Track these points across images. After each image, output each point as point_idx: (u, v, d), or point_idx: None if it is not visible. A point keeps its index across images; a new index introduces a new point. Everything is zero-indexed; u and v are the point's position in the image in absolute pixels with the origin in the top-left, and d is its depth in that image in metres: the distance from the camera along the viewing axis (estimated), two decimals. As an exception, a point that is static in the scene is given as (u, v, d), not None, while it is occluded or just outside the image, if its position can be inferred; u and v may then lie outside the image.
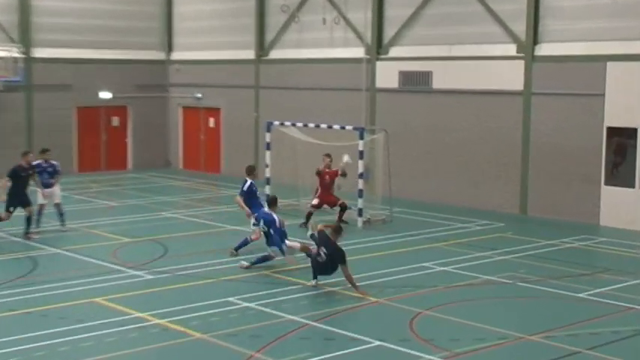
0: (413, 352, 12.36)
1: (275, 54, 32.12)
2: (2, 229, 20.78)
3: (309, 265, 16.40)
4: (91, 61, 33.76)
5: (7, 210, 20.43)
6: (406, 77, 27.65)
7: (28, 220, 20.59)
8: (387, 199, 23.72)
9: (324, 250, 15.73)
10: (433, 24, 27.13)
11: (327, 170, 22.62)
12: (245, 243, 18.76)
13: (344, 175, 22.66)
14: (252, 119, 32.38)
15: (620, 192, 22.91)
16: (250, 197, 19.59)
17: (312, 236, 16.99)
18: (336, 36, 29.86)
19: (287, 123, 25.14)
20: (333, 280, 16.10)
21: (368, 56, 28.65)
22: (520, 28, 24.92)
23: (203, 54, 34.65)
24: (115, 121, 35.09)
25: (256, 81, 32.59)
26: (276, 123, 25.28)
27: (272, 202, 18.14)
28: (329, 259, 15.69)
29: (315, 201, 22.35)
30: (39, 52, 32.70)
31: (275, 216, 17.56)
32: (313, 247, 16.47)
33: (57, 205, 21.54)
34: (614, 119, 23.02)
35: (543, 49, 24.53)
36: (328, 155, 22.84)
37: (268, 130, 25.03)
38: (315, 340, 12.99)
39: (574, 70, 23.77)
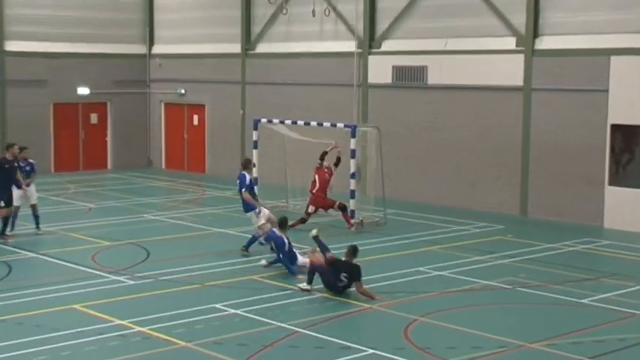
0: (408, 361, 12.38)
1: (262, 47, 32.10)
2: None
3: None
4: (68, 55, 33.67)
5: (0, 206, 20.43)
6: (400, 72, 27.67)
7: (6, 220, 20.54)
8: (380, 200, 23.73)
9: (345, 274, 15.74)
10: (428, 16, 27.15)
11: (325, 170, 22.59)
12: (254, 240, 19.14)
13: (338, 162, 22.59)
14: (239, 116, 32.37)
15: (625, 192, 22.96)
16: (250, 191, 19.65)
17: (315, 238, 17.07)
18: (326, 29, 29.87)
19: (275, 120, 25.14)
20: (315, 287, 16.12)
21: (360, 50, 28.66)
22: (519, 20, 24.96)
23: (186, 47, 34.59)
24: (94, 118, 35.00)
25: (242, 76, 32.57)
26: (264, 120, 25.26)
27: (283, 223, 18.01)
28: (349, 280, 15.76)
29: (311, 208, 22.28)
30: (12, 46, 32.59)
31: (285, 239, 17.53)
32: (319, 255, 16.45)
33: (33, 207, 21.49)
34: (618, 116, 23.08)
35: (544, 43, 24.58)
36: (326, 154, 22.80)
37: (255, 128, 25.03)
38: (304, 349, 12.98)
39: (576, 64, 23.83)
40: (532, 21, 24.58)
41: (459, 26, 26.39)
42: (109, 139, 35.43)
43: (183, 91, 34.74)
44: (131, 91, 35.40)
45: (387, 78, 28.02)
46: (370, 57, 28.48)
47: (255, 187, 23.76)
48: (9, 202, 20.62)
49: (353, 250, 16.15)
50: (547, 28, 24.59)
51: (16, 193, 21.09)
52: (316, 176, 22.43)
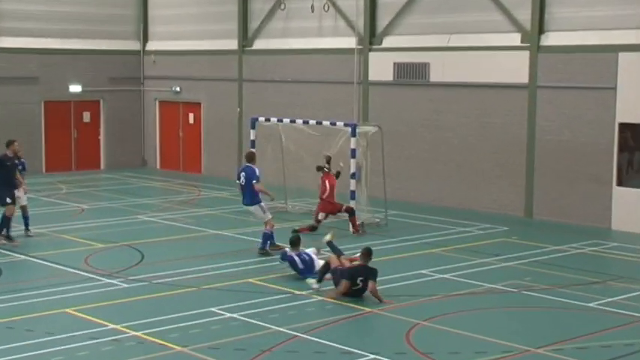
0: (410, 366, 12.42)
1: (259, 44, 32.11)
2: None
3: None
4: (60, 52, 33.68)
5: (6, 203, 20.41)
6: (401, 69, 27.68)
7: (4, 220, 20.53)
8: (381, 201, 23.74)
9: (362, 278, 15.76)
10: (431, 11, 27.16)
11: (332, 174, 22.57)
12: (266, 237, 19.24)
13: (337, 176, 22.68)
14: (235, 115, 32.38)
15: (634, 193, 22.98)
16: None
17: (329, 243, 17.14)
18: (326, 24, 29.88)
19: (273, 119, 25.15)
20: (323, 288, 16.15)
21: (360, 46, 28.67)
22: (524, 15, 24.98)
23: (181, 44, 34.61)
24: (87, 116, 35.01)
25: (239, 73, 32.58)
26: (261, 119, 25.28)
27: (295, 242, 17.72)
28: (364, 282, 15.78)
29: (321, 215, 22.18)
30: (3, 42, 32.59)
31: (297, 259, 17.34)
32: (332, 256, 16.52)
33: (23, 208, 21.47)
34: (626, 114, 23.09)
35: (550, 39, 24.60)
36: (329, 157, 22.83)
37: (253, 127, 25.04)
38: (304, 354, 12.98)
39: (583, 61, 23.83)
40: (537, 16, 24.57)
41: (462, 22, 26.40)
42: (102, 138, 35.42)
43: (178, 89, 34.76)
44: (125, 88, 35.41)
45: (388, 75, 28.02)
46: (371, 54, 28.49)
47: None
48: (14, 199, 20.62)
49: (368, 253, 16.14)
50: (553, 24, 24.60)
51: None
52: (326, 181, 22.34)
